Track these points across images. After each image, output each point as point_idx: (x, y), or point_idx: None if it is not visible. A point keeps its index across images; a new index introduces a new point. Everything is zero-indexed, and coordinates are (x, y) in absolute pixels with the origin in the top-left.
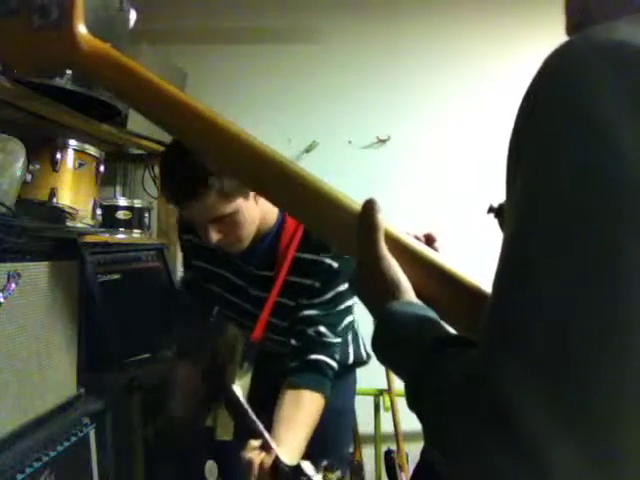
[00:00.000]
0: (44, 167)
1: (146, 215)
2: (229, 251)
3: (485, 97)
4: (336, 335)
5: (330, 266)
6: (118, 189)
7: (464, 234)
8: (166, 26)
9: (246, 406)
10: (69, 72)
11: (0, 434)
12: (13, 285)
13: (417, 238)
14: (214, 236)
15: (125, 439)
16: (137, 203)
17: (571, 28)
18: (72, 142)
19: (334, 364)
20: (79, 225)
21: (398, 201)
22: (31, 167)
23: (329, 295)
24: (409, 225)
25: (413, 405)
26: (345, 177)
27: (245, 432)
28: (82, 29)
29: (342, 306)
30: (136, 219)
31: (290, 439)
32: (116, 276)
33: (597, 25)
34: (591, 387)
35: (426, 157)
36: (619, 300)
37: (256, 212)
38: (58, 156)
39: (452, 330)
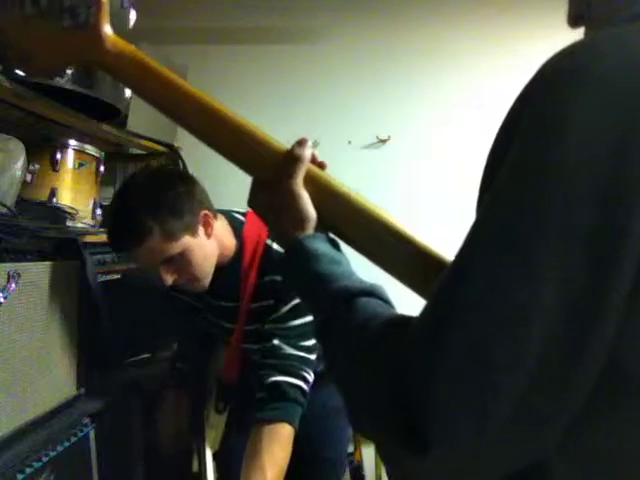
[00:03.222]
0: (44, 167)
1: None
2: (191, 290)
3: (486, 96)
4: (296, 348)
5: (282, 282)
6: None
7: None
8: (166, 25)
9: (208, 465)
10: (69, 72)
11: (0, 434)
12: (13, 285)
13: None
14: (168, 278)
15: (125, 439)
16: None
17: (573, 19)
18: (72, 142)
19: (298, 382)
20: (79, 225)
21: (398, 201)
22: (31, 167)
23: (283, 310)
24: (409, 225)
25: (319, 338)
26: (345, 177)
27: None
28: (108, 30)
29: (301, 320)
30: None
31: None
32: (116, 276)
33: (595, 31)
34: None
35: (427, 157)
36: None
37: (209, 247)
38: (58, 156)
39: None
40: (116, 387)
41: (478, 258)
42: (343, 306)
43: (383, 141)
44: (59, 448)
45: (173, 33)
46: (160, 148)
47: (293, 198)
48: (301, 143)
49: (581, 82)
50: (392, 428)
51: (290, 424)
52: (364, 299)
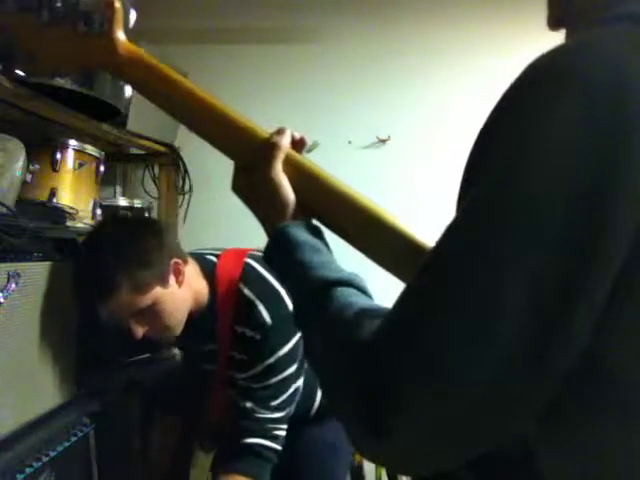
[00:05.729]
0: (44, 167)
1: (146, 215)
2: (162, 339)
3: (486, 95)
4: (268, 410)
5: (253, 338)
6: (118, 189)
7: None
8: (166, 25)
9: None
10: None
11: (0, 434)
12: (13, 285)
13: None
14: (138, 331)
15: (125, 439)
16: (137, 203)
17: (553, 22)
18: (72, 142)
19: (271, 444)
20: (79, 225)
21: (398, 201)
22: (31, 167)
23: (257, 369)
24: (409, 225)
25: (298, 324)
26: (345, 177)
27: None
28: (121, 36)
29: (274, 379)
30: None
31: None
32: None
33: (576, 35)
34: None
35: (426, 157)
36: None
37: (181, 297)
38: (58, 156)
39: None
40: (116, 387)
41: (448, 258)
42: (320, 294)
43: (383, 141)
44: (59, 448)
45: (173, 33)
46: (160, 148)
47: (271, 185)
48: (280, 131)
49: (561, 84)
50: (357, 413)
51: None
52: (340, 288)
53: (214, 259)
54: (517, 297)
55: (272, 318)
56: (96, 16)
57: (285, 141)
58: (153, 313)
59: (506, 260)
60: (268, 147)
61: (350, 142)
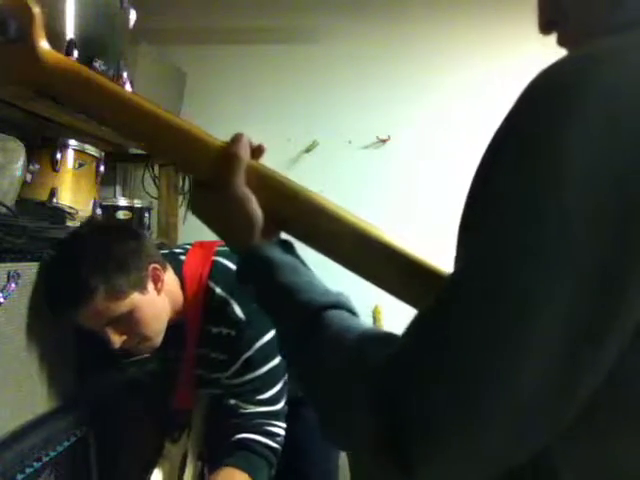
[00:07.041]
0: (44, 167)
1: (146, 215)
2: (141, 353)
3: (486, 96)
4: (254, 404)
5: (229, 335)
6: (118, 189)
7: None
8: (166, 26)
9: None
10: None
11: (0, 434)
12: (13, 285)
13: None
14: (116, 340)
15: (125, 439)
16: (137, 203)
17: (544, 25)
18: (72, 142)
19: (263, 439)
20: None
21: (398, 201)
22: (31, 167)
23: (234, 367)
24: (409, 225)
25: (286, 352)
26: (345, 177)
27: None
28: (44, 44)
29: (256, 373)
30: (136, 219)
31: None
32: None
33: (572, 39)
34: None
35: (426, 157)
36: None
37: (160, 304)
38: (58, 156)
39: None
40: (116, 387)
41: (471, 293)
42: (312, 321)
43: (383, 141)
44: (59, 448)
45: (173, 33)
46: None
47: (238, 202)
48: (236, 140)
49: (580, 94)
50: (376, 445)
51: (249, 476)
52: (332, 312)
53: (182, 256)
54: (545, 326)
55: (245, 313)
56: (11, 23)
57: (244, 151)
58: (131, 321)
59: (530, 289)
60: (227, 159)
61: (350, 142)
